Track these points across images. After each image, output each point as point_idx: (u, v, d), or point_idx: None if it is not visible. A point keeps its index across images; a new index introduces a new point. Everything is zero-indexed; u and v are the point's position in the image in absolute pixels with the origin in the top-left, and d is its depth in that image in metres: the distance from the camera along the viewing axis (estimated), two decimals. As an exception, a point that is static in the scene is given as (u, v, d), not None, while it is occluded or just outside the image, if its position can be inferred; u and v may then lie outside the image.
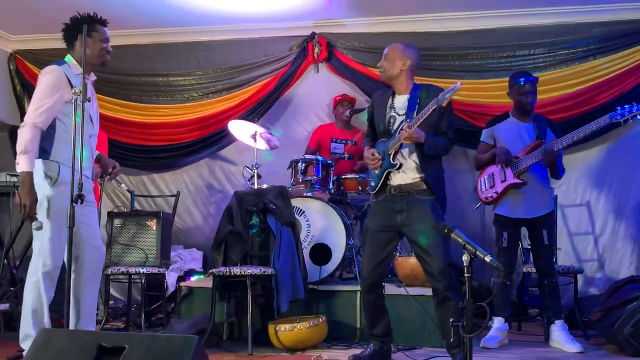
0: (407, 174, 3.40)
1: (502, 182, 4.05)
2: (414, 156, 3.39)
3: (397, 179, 3.43)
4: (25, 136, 3.03)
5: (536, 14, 5.11)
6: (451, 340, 2.84)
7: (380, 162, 3.44)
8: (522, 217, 4.03)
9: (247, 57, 5.62)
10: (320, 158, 4.71)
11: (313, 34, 5.47)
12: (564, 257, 5.12)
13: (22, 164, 3.02)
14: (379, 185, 3.46)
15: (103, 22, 3.33)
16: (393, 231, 3.43)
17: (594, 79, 4.98)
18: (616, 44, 4.94)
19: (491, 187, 4.13)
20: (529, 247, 4.47)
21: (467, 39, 5.25)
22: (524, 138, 4.05)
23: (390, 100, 3.53)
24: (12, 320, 4.24)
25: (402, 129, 3.31)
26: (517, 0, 4.99)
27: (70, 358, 2.00)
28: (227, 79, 5.67)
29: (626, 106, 3.63)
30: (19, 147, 3.03)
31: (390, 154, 3.40)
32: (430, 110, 3.22)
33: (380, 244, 3.42)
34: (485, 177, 4.19)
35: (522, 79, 4.06)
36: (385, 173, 3.44)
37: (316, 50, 5.44)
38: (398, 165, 3.39)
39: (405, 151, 3.40)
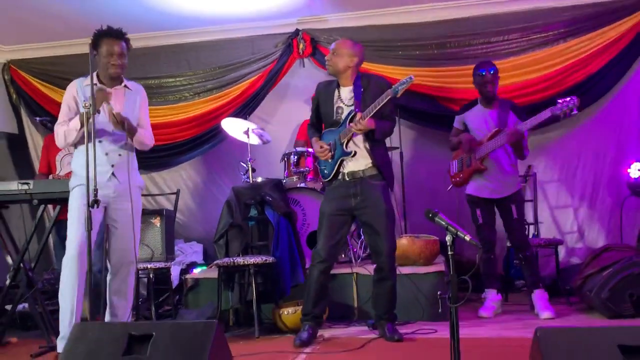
0: (359, 160, 3.70)
1: (468, 166, 4.37)
2: (364, 143, 3.69)
3: (350, 165, 3.72)
4: (58, 131, 3.47)
5: (509, 0, 5.33)
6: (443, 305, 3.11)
7: (331, 152, 3.72)
8: (489, 197, 4.32)
9: (235, 56, 5.80)
10: (311, 150, 4.95)
11: (297, 30, 5.65)
12: (546, 231, 5.41)
13: (74, 125, 3.38)
14: (333, 173, 3.73)
15: (111, 35, 3.46)
16: (347, 214, 3.75)
17: (566, 60, 5.21)
18: (585, 26, 5.17)
19: (460, 171, 4.45)
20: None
21: (445, 28, 5.46)
22: (488, 125, 4.33)
23: (336, 91, 3.80)
24: (29, 320, 4.48)
25: (353, 120, 3.58)
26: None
27: (105, 347, 2.25)
28: (217, 78, 5.84)
29: (567, 99, 3.91)
30: (62, 139, 3.46)
31: (343, 142, 3.67)
32: (385, 100, 3.51)
33: (335, 226, 3.72)
34: (456, 161, 4.50)
35: (483, 70, 4.32)
36: (339, 161, 3.71)
37: (301, 46, 5.63)
38: (353, 153, 3.67)
39: (356, 139, 3.69)
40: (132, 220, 3.50)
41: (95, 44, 3.46)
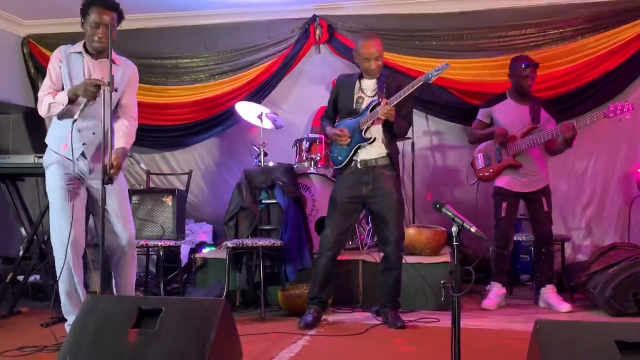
0: (373, 150, 3.76)
1: (499, 162, 4.35)
2: (381, 133, 3.75)
3: (364, 154, 3.77)
4: (42, 100, 3.22)
5: (528, -5, 5.32)
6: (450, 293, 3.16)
7: (349, 138, 3.74)
8: (522, 190, 4.33)
9: (252, 40, 5.81)
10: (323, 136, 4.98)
11: (314, 16, 5.64)
12: (553, 227, 5.40)
13: (61, 99, 3.14)
14: (347, 159, 3.78)
15: (101, 3, 3.16)
16: (358, 202, 3.81)
17: (583, 57, 5.17)
18: (603, 24, 5.13)
19: (487, 166, 4.43)
20: (521, 217, 4.79)
21: (462, 20, 5.43)
22: (522, 120, 4.34)
23: (357, 82, 3.85)
24: (40, 291, 4.58)
25: (377, 105, 3.63)
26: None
27: (115, 319, 2.31)
28: (233, 60, 5.85)
29: (618, 106, 3.98)
30: (46, 110, 3.21)
31: (363, 129, 3.72)
32: (416, 86, 3.55)
33: (346, 214, 3.79)
34: (482, 154, 4.49)
35: (524, 64, 4.31)
36: (355, 148, 3.75)
37: (317, 32, 5.63)
38: (372, 139, 3.71)
39: (374, 128, 3.73)
40: (116, 198, 3.32)
41: (84, 11, 3.20)
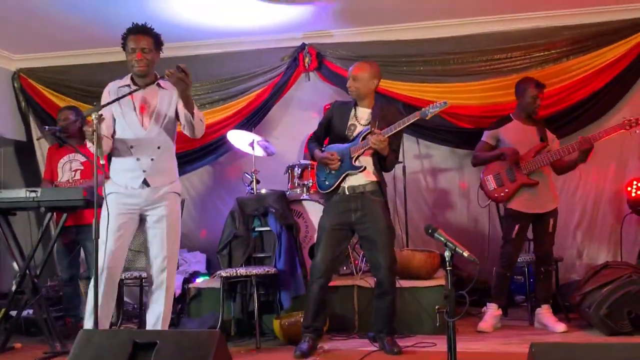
0: (361, 176, 3.77)
1: (512, 181, 4.34)
2: (371, 162, 3.77)
3: (352, 180, 3.78)
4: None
5: (512, 19, 5.41)
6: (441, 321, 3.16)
7: (339, 163, 3.77)
8: (535, 211, 4.32)
9: (242, 69, 5.86)
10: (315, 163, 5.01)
11: (303, 44, 5.72)
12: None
13: (88, 143, 3.26)
14: (334, 186, 3.79)
15: (135, 30, 3.32)
16: (347, 229, 3.81)
17: (568, 78, 5.27)
18: (587, 45, 5.24)
19: (500, 186, 4.40)
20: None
21: (449, 44, 5.53)
22: (530, 140, 4.36)
23: (352, 110, 3.88)
24: (34, 326, 4.53)
25: (370, 134, 3.66)
26: (493, 8, 5.28)
27: (110, 354, 2.29)
28: (223, 89, 5.90)
29: (632, 119, 4.02)
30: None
31: (353, 157, 3.75)
32: (411, 121, 3.59)
33: (336, 241, 3.78)
34: (492, 176, 4.44)
35: (533, 85, 4.36)
36: (343, 175, 3.77)
37: (306, 60, 5.70)
38: (363, 168, 3.74)
39: (363, 158, 3.76)
40: (164, 227, 3.38)
41: (124, 44, 3.35)
